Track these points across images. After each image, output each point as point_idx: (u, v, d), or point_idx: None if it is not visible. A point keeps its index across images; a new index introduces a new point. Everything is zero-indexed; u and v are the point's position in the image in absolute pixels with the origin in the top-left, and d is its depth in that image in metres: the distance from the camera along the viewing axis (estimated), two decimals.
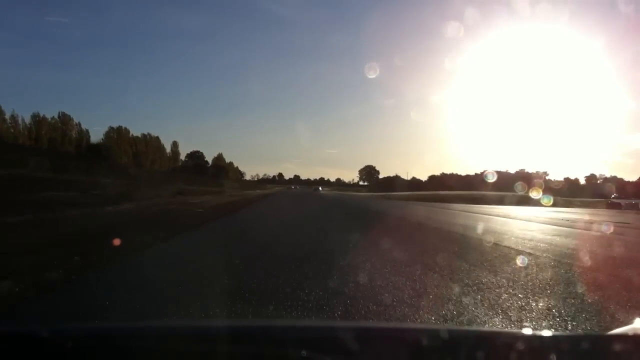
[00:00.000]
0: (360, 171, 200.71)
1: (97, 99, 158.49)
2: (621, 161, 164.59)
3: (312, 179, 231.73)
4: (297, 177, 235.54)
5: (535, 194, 50.15)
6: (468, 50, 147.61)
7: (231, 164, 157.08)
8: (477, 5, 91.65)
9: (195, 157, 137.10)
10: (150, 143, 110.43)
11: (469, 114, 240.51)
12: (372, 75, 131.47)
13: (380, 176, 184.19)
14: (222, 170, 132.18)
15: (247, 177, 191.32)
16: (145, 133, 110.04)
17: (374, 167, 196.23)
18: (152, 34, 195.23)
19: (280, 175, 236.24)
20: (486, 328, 3.62)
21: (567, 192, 60.30)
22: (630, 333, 1.37)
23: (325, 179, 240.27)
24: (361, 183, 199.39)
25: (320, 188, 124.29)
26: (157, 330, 1.41)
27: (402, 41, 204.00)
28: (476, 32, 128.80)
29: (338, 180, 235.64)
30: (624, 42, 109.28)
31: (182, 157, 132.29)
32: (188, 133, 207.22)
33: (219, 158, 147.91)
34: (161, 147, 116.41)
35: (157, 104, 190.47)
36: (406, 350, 1.16)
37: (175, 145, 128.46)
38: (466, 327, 3.50)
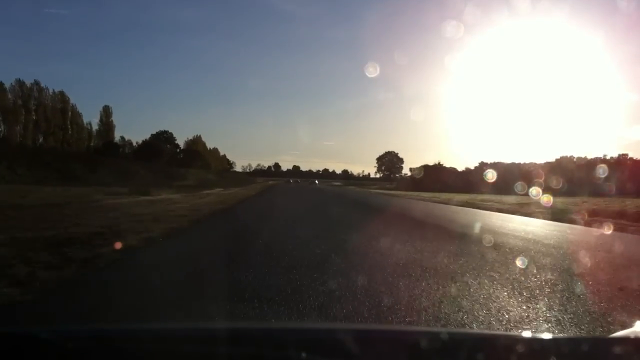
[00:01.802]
0: (379, 159, 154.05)
1: (94, 92, 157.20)
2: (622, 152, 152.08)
3: (314, 171, 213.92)
4: (296, 168, 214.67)
5: None
6: (467, 44, 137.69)
7: (215, 150, 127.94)
8: (476, 0, 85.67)
9: (162, 139, 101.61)
10: (38, 99, 65.11)
11: (469, 107, 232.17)
12: (371, 70, 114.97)
13: (406, 166, 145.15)
14: (195, 156, 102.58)
15: (238, 167, 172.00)
16: (30, 82, 64.45)
17: (397, 154, 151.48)
18: (151, 26, 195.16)
19: (277, 166, 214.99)
20: (486, 330, 3.56)
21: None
22: (632, 336, 1.37)
23: (330, 170, 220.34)
24: (373, 175, 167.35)
25: (316, 181, 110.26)
26: (157, 332, 1.38)
27: (401, 36, 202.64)
28: (476, 26, 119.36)
29: (345, 172, 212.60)
30: (624, 36, 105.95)
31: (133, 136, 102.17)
32: (185, 125, 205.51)
33: (196, 142, 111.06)
34: (68, 111, 69.76)
35: (153, 95, 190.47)
36: (406, 352, 1.16)
37: (106, 113, 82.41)
38: (466, 330, 3.45)
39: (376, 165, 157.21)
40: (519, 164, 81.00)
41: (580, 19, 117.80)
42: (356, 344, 1.12)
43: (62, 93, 70.19)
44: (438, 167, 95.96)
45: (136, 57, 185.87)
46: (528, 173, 55.56)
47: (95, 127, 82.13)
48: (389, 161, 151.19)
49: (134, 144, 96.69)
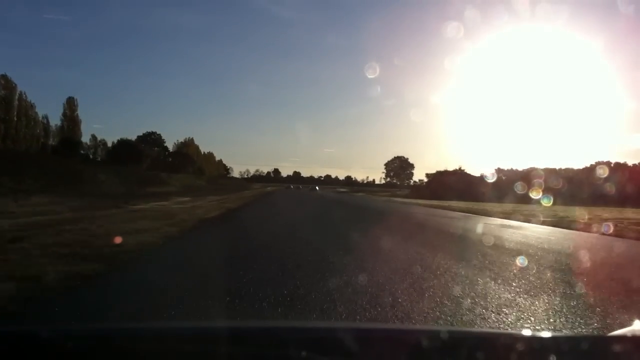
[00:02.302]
0: (387, 165, 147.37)
1: (94, 98, 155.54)
2: (621, 161, 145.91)
3: (315, 177, 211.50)
4: (297, 174, 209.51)
5: None
6: (467, 49, 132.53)
7: (210, 155, 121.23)
8: (476, 5, 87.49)
9: (149, 140, 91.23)
10: None
11: (466, 113, 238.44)
12: (371, 75, 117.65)
13: (417, 172, 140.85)
14: (186, 160, 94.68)
15: (236, 173, 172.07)
16: None
17: (407, 159, 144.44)
18: (150, 32, 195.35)
19: (277, 172, 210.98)
20: (486, 329, 3.62)
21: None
22: (630, 334, 1.37)
23: (333, 176, 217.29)
24: (378, 181, 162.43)
25: (317, 187, 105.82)
26: (157, 331, 1.38)
27: (401, 41, 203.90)
28: (476, 32, 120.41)
29: (348, 178, 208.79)
30: (624, 41, 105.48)
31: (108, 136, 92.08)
32: (184, 131, 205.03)
33: (187, 145, 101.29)
34: (14, 100, 55.03)
35: (153, 102, 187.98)
36: (406, 351, 1.16)
37: (70, 106, 67.67)
38: (466, 329, 3.51)
39: (384, 170, 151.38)
40: (553, 169, 75.59)
41: (580, 24, 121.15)
42: (356, 343, 1.12)
43: (5, 77, 53.77)
44: (458, 173, 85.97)
45: (135, 63, 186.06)
46: (555, 179, 51.78)
47: (58, 123, 68.29)
48: (399, 167, 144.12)
49: (109, 144, 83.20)
